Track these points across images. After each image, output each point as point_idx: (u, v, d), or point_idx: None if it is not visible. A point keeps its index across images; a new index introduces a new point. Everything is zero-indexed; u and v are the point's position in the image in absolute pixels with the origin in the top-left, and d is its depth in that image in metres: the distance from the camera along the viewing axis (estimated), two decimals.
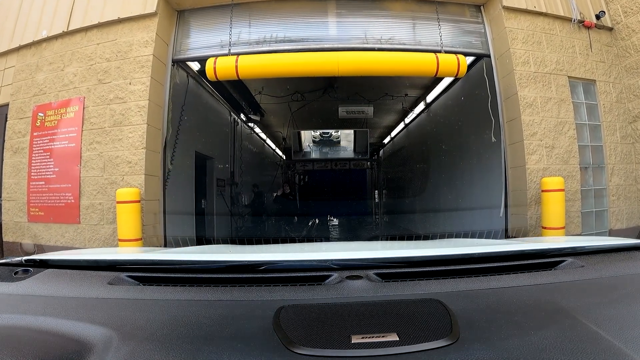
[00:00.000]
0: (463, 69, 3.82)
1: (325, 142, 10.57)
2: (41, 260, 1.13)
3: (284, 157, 11.60)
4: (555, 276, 1.03)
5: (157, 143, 4.12)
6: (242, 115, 9.07)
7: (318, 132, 10.43)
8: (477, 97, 4.95)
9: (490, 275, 1.01)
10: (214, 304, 0.90)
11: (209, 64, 3.80)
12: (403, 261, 1.09)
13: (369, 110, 9.38)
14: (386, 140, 12.31)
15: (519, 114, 4.02)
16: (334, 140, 10.66)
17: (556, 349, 0.69)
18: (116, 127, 4.08)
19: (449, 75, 4.10)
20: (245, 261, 1.14)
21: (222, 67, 3.79)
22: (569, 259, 1.10)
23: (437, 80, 7.27)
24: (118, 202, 3.68)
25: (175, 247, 3.17)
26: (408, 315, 0.81)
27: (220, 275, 1.03)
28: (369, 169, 11.98)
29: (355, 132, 9.87)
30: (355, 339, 0.73)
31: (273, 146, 12.21)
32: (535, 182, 3.96)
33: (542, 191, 3.84)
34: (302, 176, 13.08)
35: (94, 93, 4.29)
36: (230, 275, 1.03)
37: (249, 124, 9.50)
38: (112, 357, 0.69)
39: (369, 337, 0.73)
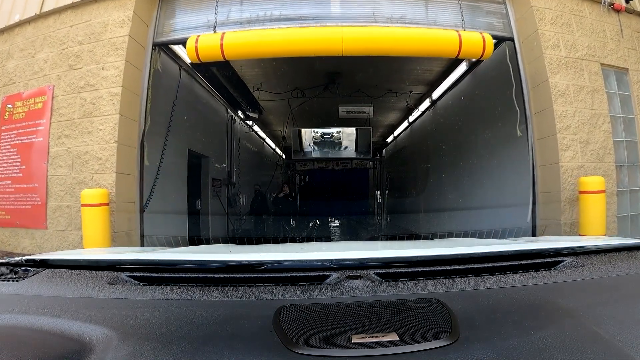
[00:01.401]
0: (489, 49, 3.10)
1: (326, 143, 10.06)
2: (41, 260, 1.09)
3: (284, 157, 10.78)
4: (555, 276, 1.00)
5: (133, 136, 3.39)
6: (239, 113, 8.65)
7: (319, 133, 9.95)
8: (497, 87, 4.53)
9: (490, 275, 0.98)
10: (213, 304, 0.87)
11: (190, 42, 3.05)
12: (403, 261, 1.05)
13: (369, 110, 8.89)
14: (390, 139, 11.61)
15: (551, 103, 3.26)
16: (335, 141, 10.13)
17: (556, 349, 0.67)
18: (86, 119, 3.32)
19: (473, 57, 3.37)
20: (245, 261, 1.11)
21: (205, 46, 3.04)
22: (569, 259, 1.06)
23: (445, 73, 6.86)
24: (83, 206, 2.88)
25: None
26: (408, 315, 0.79)
27: (220, 275, 0.99)
28: (371, 168, 11.13)
29: (357, 130, 8.95)
30: (355, 339, 0.70)
31: (273, 145, 11.48)
32: (570, 182, 3.20)
33: (580, 193, 3.07)
34: (302, 176, 12.27)
35: (64, 80, 3.85)
36: (230, 275, 1.00)
37: (247, 122, 8.55)
38: (112, 357, 0.67)
39: (369, 337, 0.71)
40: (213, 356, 0.67)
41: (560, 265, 1.05)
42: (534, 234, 3.64)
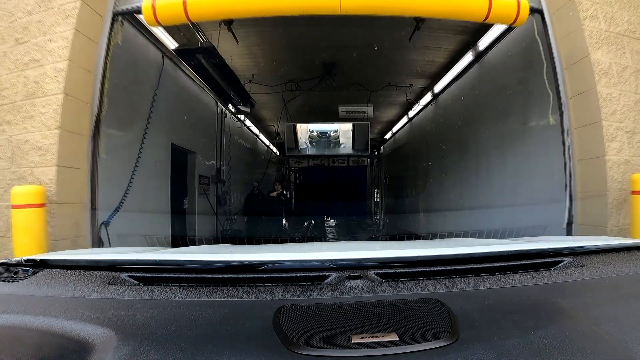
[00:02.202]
0: (524, 13, 2.51)
1: (322, 141, 9.69)
2: (41, 260, 1.09)
3: (278, 154, 10.06)
4: (555, 276, 1.00)
5: (82, 122, 2.74)
6: (230, 107, 8.21)
7: (315, 133, 9.55)
8: (521, 67, 4.04)
9: (490, 275, 0.99)
10: (213, 304, 0.87)
11: (146, 2, 2.20)
12: (403, 261, 1.06)
13: (369, 110, 8.76)
14: (389, 136, 10.98)
15: (593, 84, 2.53)
16: (333, 141, 9.70)
17: (556, 349, 0.68)
18: (28, 100, 2.51)
19: (504, 22, 2.76)
20: (245, 261, 1.11)
21: (164, 4, 2.21)
22: (569, 259, 1.07)
23: (449, 64, 6.49)
24: (13, 207, 2.11)
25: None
26: (408, 315, 0.79)
27: (220, 276, 1.00)
28: (369, 166, 10.38)
29: (354, 127, 9.15)
30: (355, 339, 0.71)
31: (267, 142, 10.59)
32: (617, 179, 2.44)
33: (633, 193, 2.29)
34: (297, 174, 11.51)
35: (10, 57, 3.22)
36: (230, 276, 1.00)
37: (239, 116, 7.88)
38: (112, 357, 0.68)
39: (369, 337, 0.71)
40: (213, 356, 0.68)
41: (560, 265, 1.05)
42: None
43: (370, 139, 9.51)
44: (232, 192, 8.21)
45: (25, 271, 1.04)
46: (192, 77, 6.62)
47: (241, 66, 7.39)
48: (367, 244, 2.49)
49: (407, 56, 6.72)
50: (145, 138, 4.97)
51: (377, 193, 11.68)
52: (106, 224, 4.05)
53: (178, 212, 6.30)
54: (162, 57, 5.67)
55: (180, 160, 6.37)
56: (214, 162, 7.66)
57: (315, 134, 9.33)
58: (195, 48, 5.47)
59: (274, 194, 7.83)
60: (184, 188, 6.58)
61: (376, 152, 10.88)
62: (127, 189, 4.48)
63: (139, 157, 4.83)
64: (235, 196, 8.55)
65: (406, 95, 8.39)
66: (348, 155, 9.51)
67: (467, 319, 0.77)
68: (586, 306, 0.83)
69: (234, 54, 6.85)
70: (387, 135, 11.93)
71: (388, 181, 10.71)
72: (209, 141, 7.49)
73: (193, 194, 6.65)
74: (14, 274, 1.03)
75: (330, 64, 7.26)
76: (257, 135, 11.13)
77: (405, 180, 10.33)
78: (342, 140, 9.39)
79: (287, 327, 0.74)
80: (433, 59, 7.27)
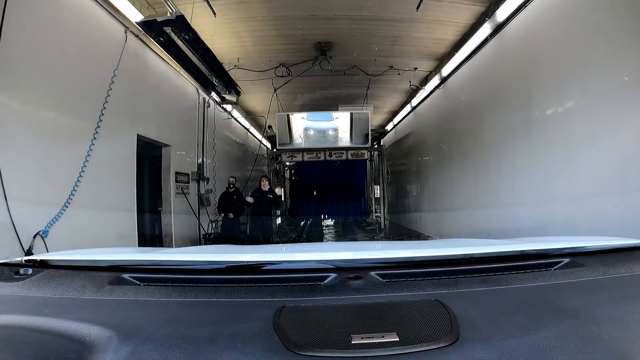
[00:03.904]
0: None
1: (317, 134, 8.97)
2: (41, 260, 1.12)
3: (270, 148, 9.27)
4: (556, 276, 1.03)
5: None
6: (214, 96, 7.42)
7: (309, 124, 8.81)
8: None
9: (491, 275, 1.02)
10: (214, 304, 0.90)
11: None
12: (403, 261, 1.10)
13: (370, 110, 8.72)
14: (390, 127, 10.01)
15: None
16: (329, 133, 8.95)
17: (556, 349, 0.69)
18: None
19: None
20: (245, 262, 1.13)
21: None
22: (569, 259, 1.10)
23: (460, 42, 5.85)
24: None
25: None
26: (408, 316, 0.82)
27: (220, 276, 1.03)
28: (369, 159, 9.58)
29: (352, 116, 7.61)
30: (355, 340, 0.73)
31: (257, 135, 9.81)
32: None
33: None
34: (292, 170, 10.72)
35: None
36: (230, 276, 1.03)
37: (224, 107, 7.06)
38: (112, 357, 0.70)
39: (369, 338, 0.73)
40: (213, 357, 0.69)
41: (560, 265, 1.08)
42: None
43: (371, 130, 8.74)
44: (218, 191, 7.64)
45: (26, 271, 1.06)
46: (167, 60, 5.98)
47: (224, 47, 6.62)
48: (368, 244, 2.44)
49: (412, 31, 5.96)
50: (99, 127, 4.14)
51: (377, 189, 10.82)
52: (43, 234, 3.30)
53: (149, 213, 5.52)
54: (125, 32, 4.81)
55: (150, 154, 5.87)
56: (195, 157, 6.84)
57: (309, 125, 8.51)
58: (164, 20, 4.60)
59: (249, 199, 6.89)
60: (157, 186, 6.09)
61: (376, 145, 10.00)
62: (73, 191, 3.72)
63: (91, 150, 4.01)
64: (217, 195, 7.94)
65: (409, 82, 7.88)
66: (346, 148, 8.65)
67: (467, 319, 0.79)
68: (586, 306, 0.85)
69: (215, 32, 6.01)
70: (388, 127, 11.47)
71: (390, 176, 9.81)
72: (188, 133, 6.87)
73: (168, 191, 6.05)
74: (14, 274, 1.06)
75: (324, 42, 6.44)
76: (247, 129, 10.70)
77: (412, 176, 9.66)
78: (339, 132, 8.54)
79: (288, 328, 0.76)
80: (442, 36, 6.51)
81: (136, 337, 0.73)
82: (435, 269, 1.03)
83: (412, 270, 1.02)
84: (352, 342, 0.70)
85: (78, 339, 0.73)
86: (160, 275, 1.01)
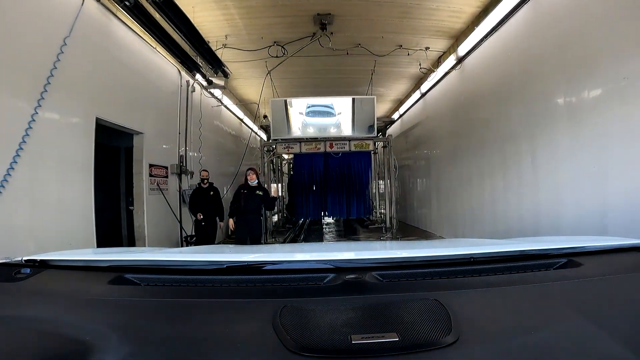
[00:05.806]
0: None
1: (315, 122, 7.97)
2: (41, 261, 1.13)
3: (265, 139, 8.51)
4: (555, 276, 1.04)
5: None
6: (199, 78, 6.52)
7: (311, 120, 7.87)
8: None
9: (490, 275, 1.03)
10: (214, 305, 0.91)
11: None
12: (403, 262, 1.11)
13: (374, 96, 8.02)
14: (396, 116, 9.11)
15: None
16: (332, 129, 7.96)
17: (556, 349, 0.70)
18: None
19: None
20: (245, 262, 1.13)
21: None
22: (569, 259, 1.11)
23: (481, 15, 5.17)
24: None
25: None
26: (408, 316, 0.83)
27: (220, 276, 1.04)
28: (374, 152, 8.78)
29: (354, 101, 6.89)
30: (355, 340, 0.73)
31: (250, 124, 8.98)
32: None
33: None
34: (289, 164, 9.94)
35: None
36: (230, 276, 1.04)
37: (211, 91, 6.28)
38: (112, 357, 0.70)
39: (369, 337, 0.74)
40: (213, 357, 0.71)
41: (559, 265, 1.09)
42: None
43: (377, 119, 7.96)
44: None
45: (26, 271, 1.08)
46: (140, 34, 5.13)
47: (209, 23, 5.83)
48: (368, 244, 2.53)
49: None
50: (40, 106, 3.52)
51: (382, 184, 9.96)
52: None
53: (115, 213, 4.67)
54: None
55: (116, 142, 4.92)
56: (177, 148, 6.01)
57: (307, 112, 7.64)
58: None
59: (244, 191, 5.30)
60: (128, 182, 5.41)
61: (381, 135, 9.16)
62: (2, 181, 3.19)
63: (27, 135, 3.39)
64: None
65: (419, 64, 7.12)
66: (349, 139, 7.80)
67: (467, 319, 0.79)
68: (586, 306, 0.86)
69: (198, 2, 5.14)
70: (395, 116, 10.38)
71: (397, 170, 8.95)
72: (167, 120, 6.14)
73: (141, 188, 5.12)
74: (14, 274, 1.07)
75: (324, 14, 5.62)
76: (241, 119, 10.13)
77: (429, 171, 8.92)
78: (341, 121, 7.71)
79: (288, 328, 0.77)
80: (460, 7, 5.64)
81: (136, 337, 0.75)
82: (435, 269, 1.05)
83: (412, 271, 1.04)
84: (352, 342, 0.72)
85: (78, 339, 0.74)
86: (160, 276, 1.03)
